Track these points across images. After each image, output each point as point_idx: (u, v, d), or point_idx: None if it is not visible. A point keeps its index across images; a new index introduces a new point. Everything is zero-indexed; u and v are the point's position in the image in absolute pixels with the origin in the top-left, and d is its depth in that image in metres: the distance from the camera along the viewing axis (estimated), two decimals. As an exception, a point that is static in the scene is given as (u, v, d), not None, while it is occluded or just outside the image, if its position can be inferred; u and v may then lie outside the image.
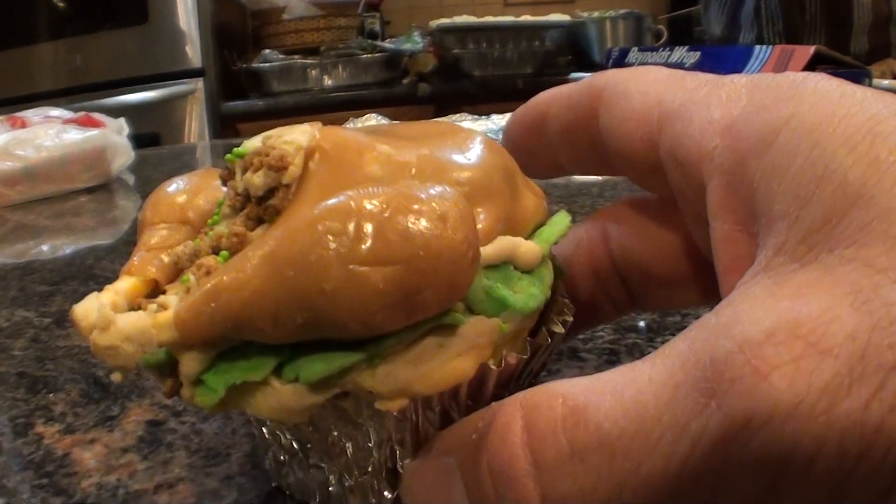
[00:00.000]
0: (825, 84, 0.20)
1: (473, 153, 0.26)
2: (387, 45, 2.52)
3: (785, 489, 0.16)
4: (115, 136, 1.05)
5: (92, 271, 0.65)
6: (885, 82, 1.17)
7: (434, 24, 2.48)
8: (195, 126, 2.26)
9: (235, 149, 0.25)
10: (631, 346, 0.43)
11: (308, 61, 2.41)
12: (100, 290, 0.24)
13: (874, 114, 0.18)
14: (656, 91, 0.24)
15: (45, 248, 0.78)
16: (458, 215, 0.21)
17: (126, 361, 0.22)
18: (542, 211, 0.27)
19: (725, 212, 0.21)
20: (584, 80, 0.27)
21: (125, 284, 0.24)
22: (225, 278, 0.21)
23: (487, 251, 0.23)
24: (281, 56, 2.42)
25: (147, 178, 1.14)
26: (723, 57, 1.28)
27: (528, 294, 0.24)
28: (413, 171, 0.24)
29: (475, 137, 0.27)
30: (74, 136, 1.01)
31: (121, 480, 0.32)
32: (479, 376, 0.24)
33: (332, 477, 0.27)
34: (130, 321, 0.22)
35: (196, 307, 0.21)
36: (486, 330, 0.23)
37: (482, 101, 2.16)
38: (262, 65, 2.39)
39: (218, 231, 0.24)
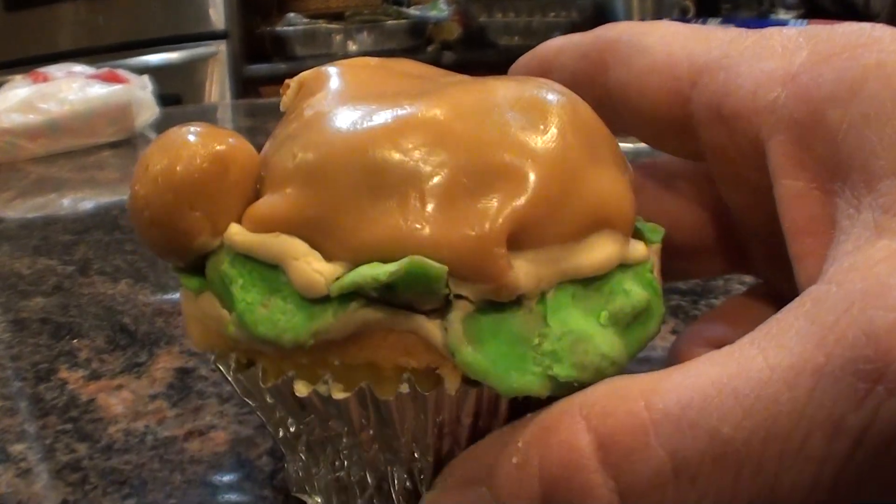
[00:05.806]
0: None
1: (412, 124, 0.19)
2: (412, 11, 2.49)
3: None
4: (139, 91, 1.04)
5: (118, 222, 0.64)
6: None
7: (460, -9, 2.45)
8: (217, 88, 2.25)
9: None
10: (675, 307, 0.41)
11: (332, 26, 2.38)
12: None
13: None
14: (683, 43, 0.22)
15: (66, 201, 0.77)
16: (160, 168, 0.19)
17: None
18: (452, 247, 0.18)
19: (797, 168, 0.19)
20: (593, 31, 0.25)
21: None
22: None
23: (238, 237, 0.19)
24: (305, 20, 2.40)
25: (170, 136, 1.12)
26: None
27: (268, 318, 0.19)
28: (308, 120, 0.21)
29: (483, 96, 0.20)
30: (99, 91, 1.00)
31: (149, 427, 0.31)
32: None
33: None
34: None
35: None
36: (214, 315, 0.20)
37: (507, 70, 2.12)
38: (286, 28, 2.37)
39: None
